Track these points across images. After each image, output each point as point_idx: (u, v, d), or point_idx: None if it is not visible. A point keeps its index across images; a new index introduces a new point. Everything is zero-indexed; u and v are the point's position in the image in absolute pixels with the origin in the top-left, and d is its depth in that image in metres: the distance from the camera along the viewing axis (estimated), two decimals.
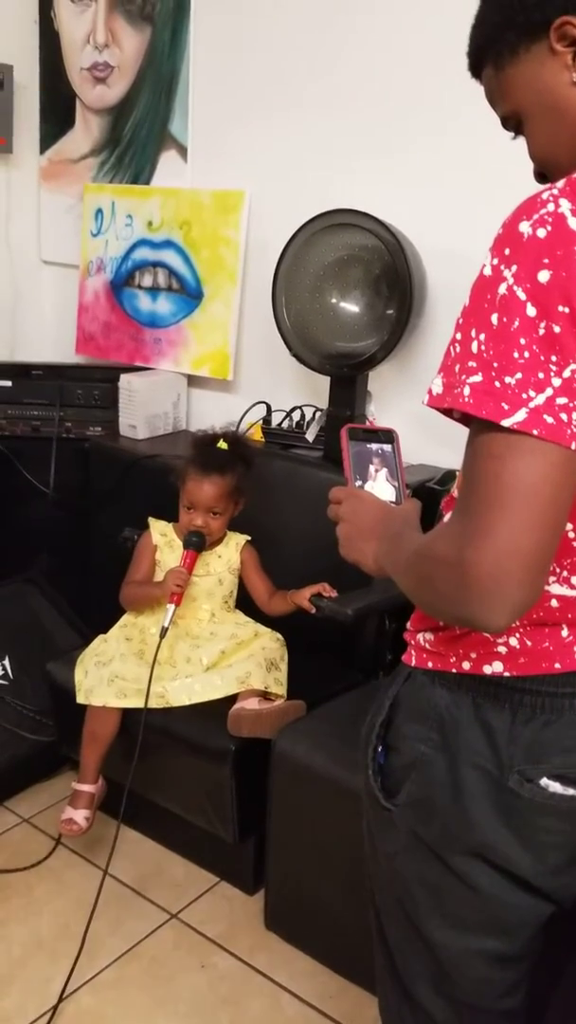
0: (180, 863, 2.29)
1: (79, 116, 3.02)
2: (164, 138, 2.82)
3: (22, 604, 2.65)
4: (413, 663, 1.12)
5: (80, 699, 2.09)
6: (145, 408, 2.78)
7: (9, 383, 2.86)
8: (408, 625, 1.15)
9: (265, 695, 2.03)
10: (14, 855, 2.28)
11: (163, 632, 2.01)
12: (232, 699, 2.02)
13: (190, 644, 2.11)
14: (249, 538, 2.25)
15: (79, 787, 2.10)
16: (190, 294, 2.80)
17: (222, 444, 2.17)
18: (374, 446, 1.18)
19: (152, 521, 2.24)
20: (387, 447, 1.18)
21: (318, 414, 2.52)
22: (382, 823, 1.14)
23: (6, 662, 2.49)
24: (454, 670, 1.06)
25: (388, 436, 1.19)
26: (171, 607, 2.03)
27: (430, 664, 1.09)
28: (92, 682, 2.08)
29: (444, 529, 0.92)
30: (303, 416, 2.57)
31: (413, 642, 1.13)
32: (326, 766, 1.82)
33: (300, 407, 2.58)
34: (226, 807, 2.01)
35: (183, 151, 2.78)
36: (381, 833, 1.15)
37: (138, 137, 2.88)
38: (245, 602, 2.25)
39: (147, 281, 2.89)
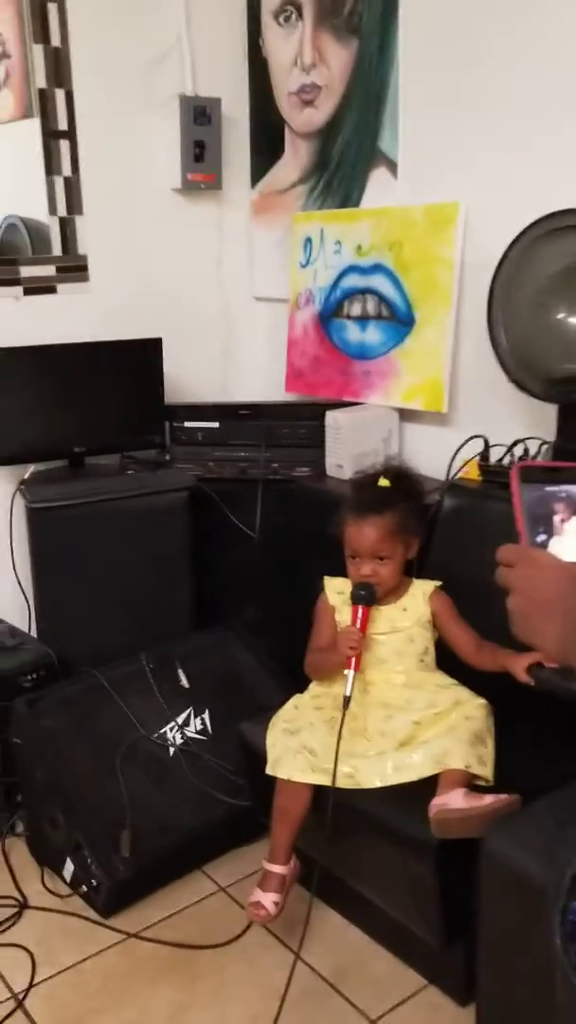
0: (384, 957, 2.03)
1: (288, 144, 2.89)
2: (374, 155, 2.62)
3: (223, 654, 2.51)
4: None
5: (268, 769, 1.89)
6: (352, 446, 2.57)
7: (216, 424, 2.77)
8: None
9: (468, 778, 1.74)
10: (207, 928, 2.11)
11: (345, 702, 1.79)
12: (432, 779, 1.75)
13: (383, 715, 1.86)
14: (439, 584, 1.98)
15: (269, 867, 1.90)
16: (400, 321, 2.57)
17: (383, 481, 1.94)
18: (558, 489, 0.90)
19: (328, 580, 2.03)
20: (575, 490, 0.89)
21: (544, 448, 2.21)
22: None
23: (206, 716, 2.35)
24: None
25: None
26: (349, 673, 1.81)
27: None
28: (280, 751, 1.88)
29: None
30: (526, 451, 2.27)
31: None
32: (544, 876, 1.51)
33: (523, 440, 2.27)
34: (430, 907, 1.73)
35: (393, 167, 2.58)
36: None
37: (347, 158, 2.71)
38: (450, 658, 1.98)
39: (356, 310, 2.70)
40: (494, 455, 2.31)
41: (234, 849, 2.32)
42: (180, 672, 2.38)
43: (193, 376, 3.01)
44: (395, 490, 1.93)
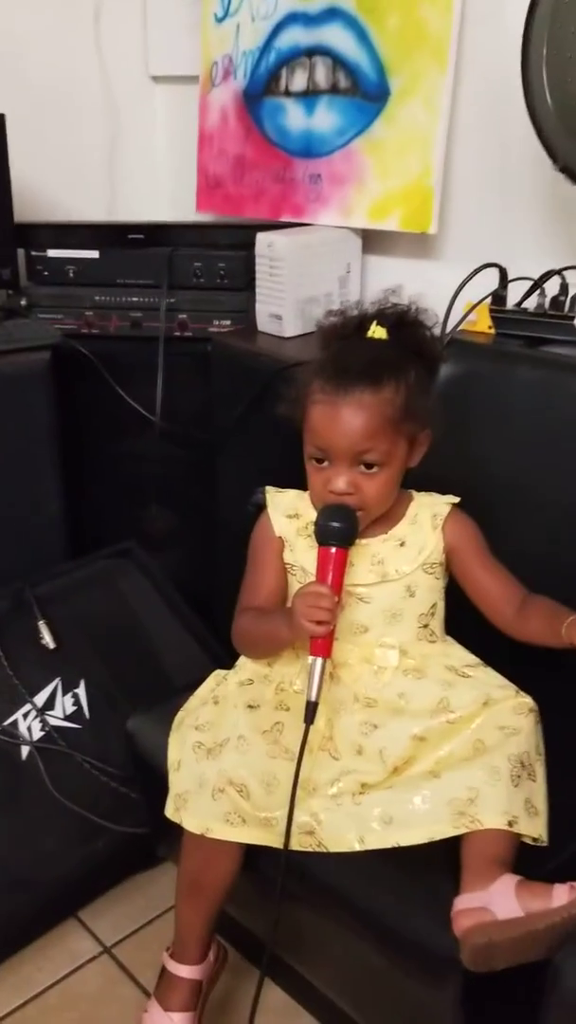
0: None
1: None
2: None
3: (109, 592, 1.72)
4: None
5: (169, 811, 1.14)
6: (295, 286, 1.75)
7: (96, 254, 1.91)
8: None
9: (513, 845, 1.02)
10: (91, 1012, 1.39)
11: (310, 713, 1.05)
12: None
13: (363, 719, 1.12)
14: (457, 500, 1.22)
15: (173, 969, 1.17)
16: (368, 94, 1.72)
17: (376, 331, 1.14)
18: None
19: (270, 495, 1.25)
20: None
21: None
22: None
23: (80, 691, 1.57)
24: None
25: None
26: (317, 664, 1.06)
27: None
28: (188, 782, 1.13)
29: None
30: (565, 288, 1.48)
31: None
32: None
33: (559, 271, 1.48)
34: None
35: None
36: None
37: None
38: (467, 617, 1.23)
39: (299, 82, 1.83)
40: (513, 294, 1.52)
41: (125, 880, 1.58)
42: (41, 624, 1.58)
43: (61, 185, 2.10)
44: (399, 345, 1.13)
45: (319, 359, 1.14)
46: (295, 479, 1.22)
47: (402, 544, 1.17)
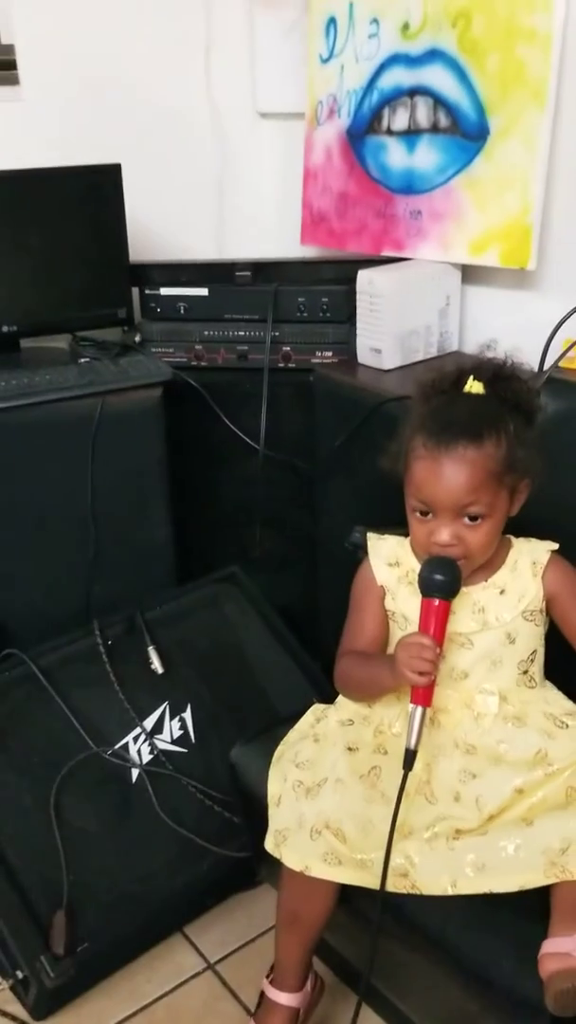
0: None
1: None
2: None
3: (214, 618, 1.80)
4: None
5: (270, 846, 1.20)
6: (395, 320, 1.79)
7: (205, 292, 1.98)
8: None
9: None
10: None
11: (408, 760, 1.09)
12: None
13: (461, 763, 1.15)
14: (556, 546, 1.24)
15: (272, 996, 1.24)
16: (467, 134, 1.74)
17: (472, 385, 1.17)
18: None
19: (372, 541, 1.28)
20: None
21: None
22: None
23: (187, 715, 1.65)
24: None
25: None
26: (417, 712, 1.10)
27: None
28: (287, 819, 1.19)
29: None
30: None
31: None
32: None
33: None
34: None
35: None
36: None
37: None
38: (565, 666, 1.25)
39: (400, 121, 1.87)
40: None
41: (229, 899, 1.65)
42: (151, 650, 1.67)
43: (172, 224, 2.18)
44: (494, 400, 1.17)
45: (419, 413, 1.17)
46: (393, 509, 1.24)
47: (502, 592, 1.20)
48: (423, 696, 1.11)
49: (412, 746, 1.10)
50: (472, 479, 1.11)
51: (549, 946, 1.01)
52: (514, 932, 1.06)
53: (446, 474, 1.11)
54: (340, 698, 1.30)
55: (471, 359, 1.22)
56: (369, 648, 1.24)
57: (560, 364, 1.54)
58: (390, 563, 1.25)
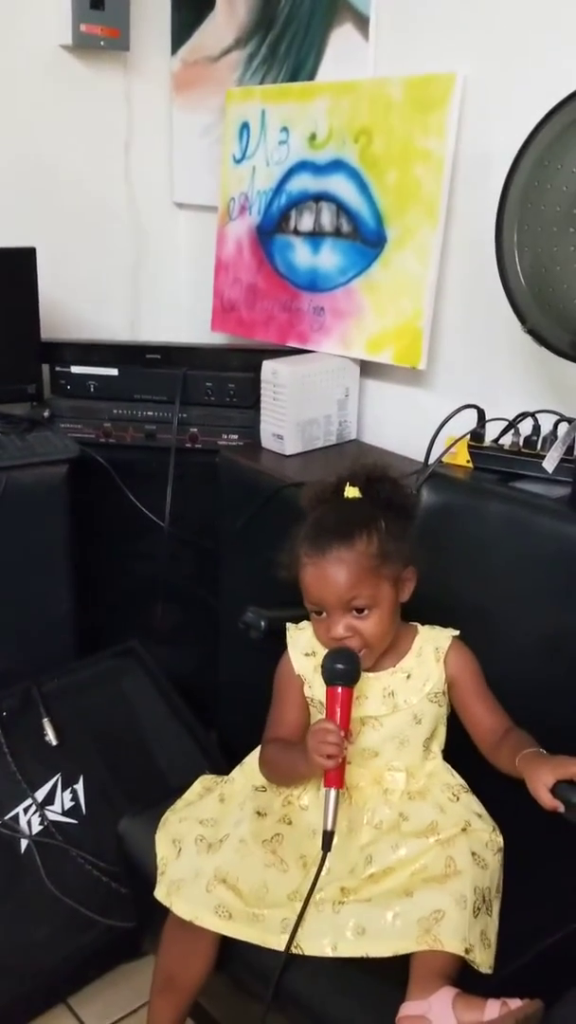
0: None
1: None
2: (336, 8, 1.90)
3: (110, 690, 1.84)
4: None
5: (160, 894, 1.23)
6: (296, 409, 1.89)
7: (115, 371, 2.07)
8: None
9: (459, 966, 1.11)
10: None
11: (326, 842, 1.15)
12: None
13: (366, 840, 1.22)
14: (456, 633, 1.32)
15: None
16: (366, 240, 1.87)
17: (349, 491, 1.27)
18: None
19: (291, 632, 1.35)
20: None
21: (563, 426, 1.56)
22: None
23: (79, 787, 1.68)
24: None
25: None
26: (331, 794, 1.16)
27: None
28: (183, 871, 1.22)
29: None
30: (537, 428, 1.61)
31: None
32: None
33: (532, 414, 1.62)
34: None
35: (363, 24, 1.85)
36: None
37: (299, 12, 1.98)
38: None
39: (306, 224, 2.00)
40: (490, 432, 1.65)
41: (114, 969, 1.67)
42: (45, 721, 1.70)
43: (85, 305, 2.28)
44: (369, 501, 1.26)
45: (305, 524, 1.27)
46: (290, 590, 1.29)
47: (409, 676, 1.28)
48: (335, 778, 1.17)
49: (329, 827, 1.15)
50: (350, 576, 1.20)
51: (405, 1009, 1.07)
52: (376, 996, 1.12)
53: (327, 576, 1.20)
54: (255, 764, 1.35)
55: (352, 462, 1.32)
56: (291, 735, 1.30)
57: (443, 460, 1.66)
58: (306, 653, 1.32)
